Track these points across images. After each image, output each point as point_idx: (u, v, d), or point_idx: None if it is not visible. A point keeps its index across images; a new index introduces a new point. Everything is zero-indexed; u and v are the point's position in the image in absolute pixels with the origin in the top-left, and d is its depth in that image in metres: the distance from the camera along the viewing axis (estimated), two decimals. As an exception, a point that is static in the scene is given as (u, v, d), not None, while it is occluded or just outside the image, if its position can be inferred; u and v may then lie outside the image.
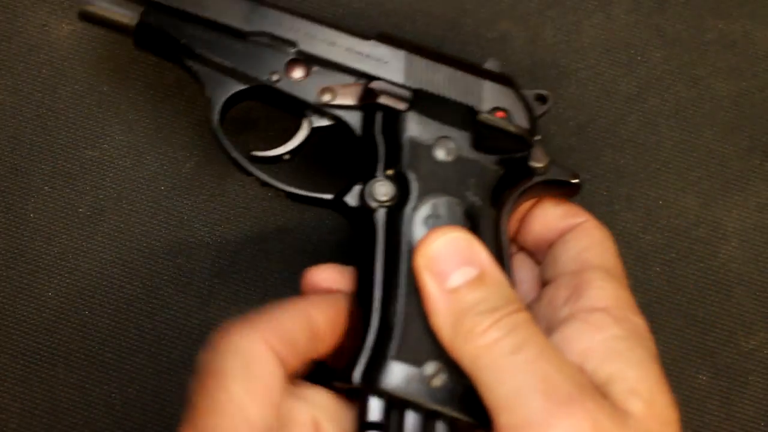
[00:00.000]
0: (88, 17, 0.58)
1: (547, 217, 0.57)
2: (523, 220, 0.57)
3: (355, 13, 0.66)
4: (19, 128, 0.65)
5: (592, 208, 0.65)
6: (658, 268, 0.65)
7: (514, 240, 0.58)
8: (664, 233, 0.66)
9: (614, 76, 0.67)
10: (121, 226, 0.65)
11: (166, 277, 0.64)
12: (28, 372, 0.63)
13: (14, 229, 0.64)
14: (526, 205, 0.57)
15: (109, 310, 0.64)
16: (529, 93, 0.58)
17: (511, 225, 0.57)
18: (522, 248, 0.58)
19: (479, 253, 0.48)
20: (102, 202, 0.64)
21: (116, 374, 0.63)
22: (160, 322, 0.63)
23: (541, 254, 0.57)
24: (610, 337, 0.49)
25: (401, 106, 0.56)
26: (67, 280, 0.64)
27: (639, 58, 0.67)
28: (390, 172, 0.54)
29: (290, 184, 0.57)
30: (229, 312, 0.64)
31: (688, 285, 0.65)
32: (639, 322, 0.50)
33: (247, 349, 0.47)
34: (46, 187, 0.65)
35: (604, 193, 0.66)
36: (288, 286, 0.64)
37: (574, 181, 0.57)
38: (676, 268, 0.66)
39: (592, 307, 0.50)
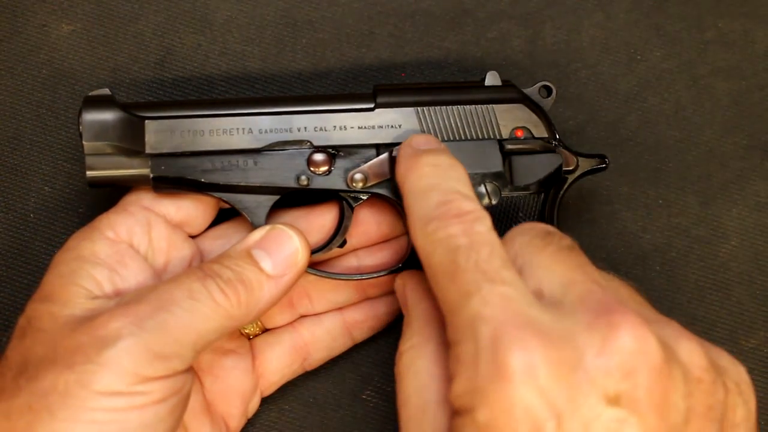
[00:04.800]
0: (98, 183, 0.56)
1: None
2: None
3: (355, 15, 0.66)
4: (19, 128, 0.65)
5: (591, 207, 0.66)
6: (658, 268, 0.65)
7: None
8: (664, 232, 0.66)
9: (614, 76, 0.67)
10: (121, 225, 0.64)
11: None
12: (28, 372, 0.63)
13: (14, 229, 0.64)
14: None
15: (109, 310, 0.63)
16: (533, 89, 0.59)
17: None
18: None
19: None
20: (102, 202, 0.64)
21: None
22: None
23: None
24: None
25: None
26: (67, 280, 0.64)
27: (639, 57, 0.67)
28: None
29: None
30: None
31: (688, 284, 0.65)
32: None
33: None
34: (46, 187, 0.65)
35: (604, 192, 0.66)
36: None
37: (603, 166, 0.59)
38: (676, 267, 0.66)
39: None
